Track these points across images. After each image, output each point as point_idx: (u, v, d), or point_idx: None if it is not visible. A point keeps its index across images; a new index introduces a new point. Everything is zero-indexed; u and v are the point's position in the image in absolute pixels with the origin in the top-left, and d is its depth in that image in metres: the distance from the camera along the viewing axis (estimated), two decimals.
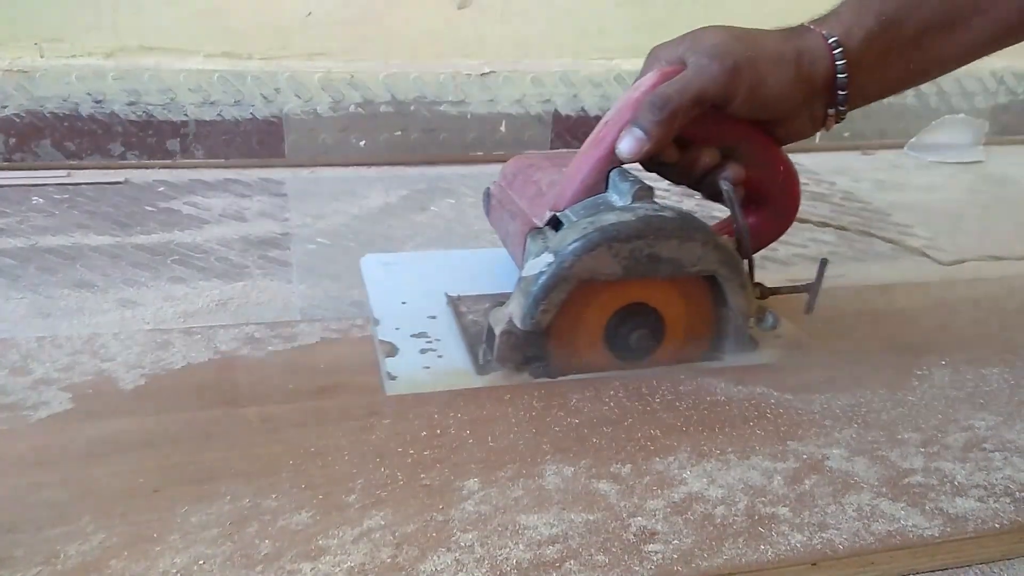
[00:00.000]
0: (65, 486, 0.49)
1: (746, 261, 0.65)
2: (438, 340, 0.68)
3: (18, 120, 1.09)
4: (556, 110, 1.24)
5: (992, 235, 1.03)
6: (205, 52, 1.14)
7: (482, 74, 1.20)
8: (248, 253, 0.87)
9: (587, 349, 0.63)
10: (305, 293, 0.79)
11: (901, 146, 1.37)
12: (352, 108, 1.17)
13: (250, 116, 1.15)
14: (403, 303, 0.74)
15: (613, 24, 1.19)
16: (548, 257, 0.60)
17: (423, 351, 0.66)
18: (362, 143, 1.18)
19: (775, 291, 0.68)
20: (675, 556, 0.46)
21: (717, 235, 0.62)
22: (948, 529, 0.49)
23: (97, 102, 1.11)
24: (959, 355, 0.68)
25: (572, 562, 0.45)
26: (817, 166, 1.27)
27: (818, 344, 0.70)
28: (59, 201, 0.98)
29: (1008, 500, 0.52)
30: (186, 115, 1.13)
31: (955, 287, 0.85)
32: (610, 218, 0.59)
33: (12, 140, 1.10)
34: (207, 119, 1.14)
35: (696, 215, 0.62)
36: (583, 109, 1.25)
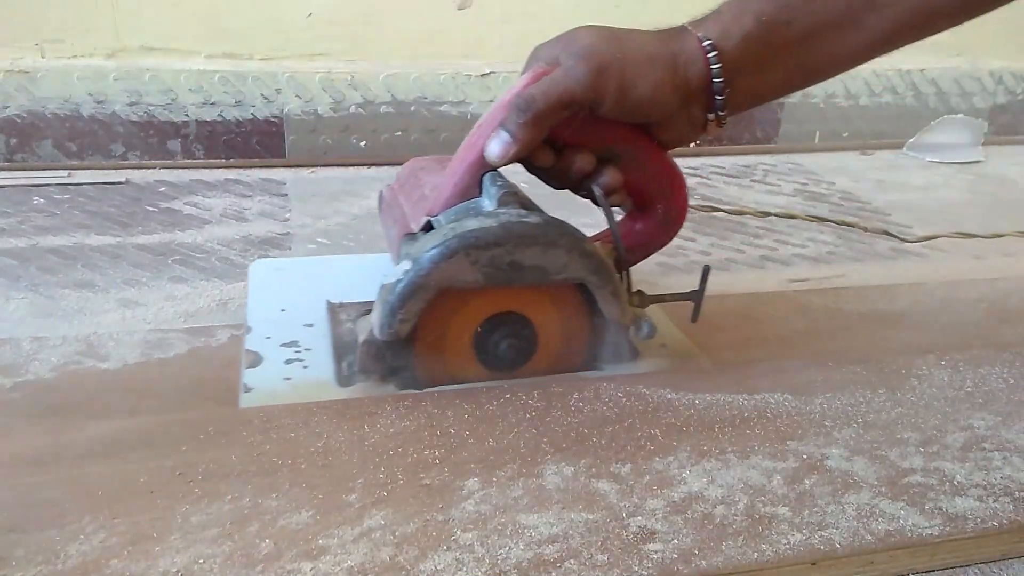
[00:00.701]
0: (65, 486, 0.49)
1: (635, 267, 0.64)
2: (308, 350, 0.65)
3: (19, 120, 1.09)
4: None
5: (990, 234, 1.03)
6: (206, 52, 1.14)
7: (482, 74, 1.20)
8: (249, 253, 0.87)
9: (456, 359, 0.61)
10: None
11: (900, 146, 1.38)
12: (352, 108, 1.17)
13: (251, 116, 1.15)
14: (282, 310, 0.71)
15: (612, 24, 1.19)
16: (406, 264, 0.58)
17: (289, 361, 0.64)
18: (362, 143, 1.19)
19: (657, 299, 0.66)
20: (675, 556, 0.46)
21: (586, 242, 0.60)
22: (947, 529, 0.49)
23: (98, 102, 1.11)
24: (959, 355, 0.68)
25: (572, 561, 0.45)
26: (817, 166, 1.27)
27: (705, 353, 0.69)
28: (60, 201, 0.98)
29: (1007, 500, 0.52)
30: (187, 115, 1.13)
31: (955, 288, 0.85)
32: (471, 224, 0.57)
33: (13, 140, 1.10)
34: (208, 119, 1.14)
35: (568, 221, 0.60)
36: None
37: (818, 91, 1.39)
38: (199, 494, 0.49)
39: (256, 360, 0.64)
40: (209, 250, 0.88)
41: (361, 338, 0.60)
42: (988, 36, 1.43)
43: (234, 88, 1.14)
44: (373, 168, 1.15)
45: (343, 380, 0.61)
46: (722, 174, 1.22)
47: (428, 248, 0.57)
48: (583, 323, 0.63)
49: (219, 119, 1.14)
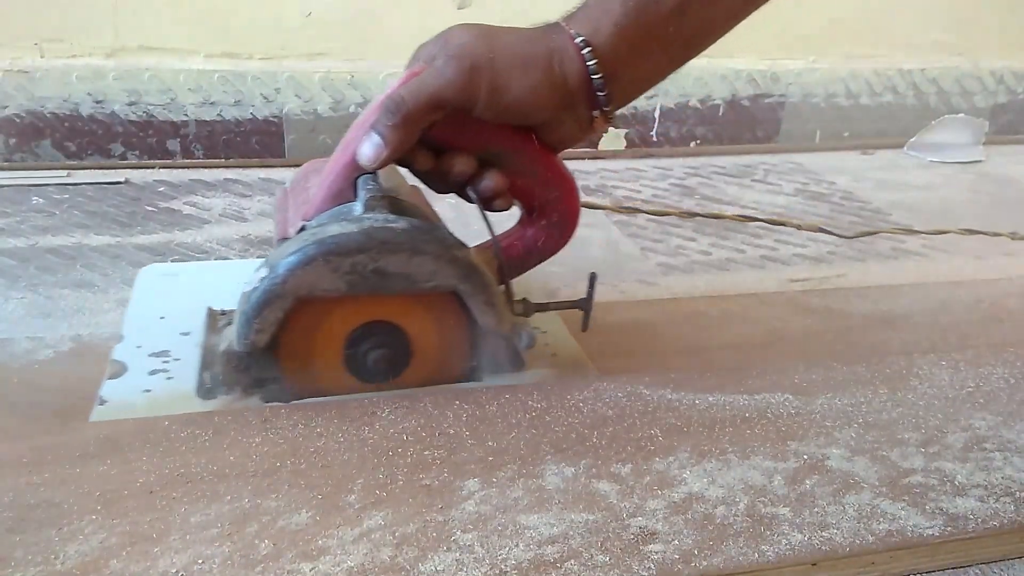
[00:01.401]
0: (65, 486, 0.49)
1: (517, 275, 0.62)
2: (177, 360, 0.63)
3: (18, 120, 1.09)
4: None
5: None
6: (205, 52, 1.14)
7: None
8: (248, 253, 0.87)
9: (326, 370, 0.59)
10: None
11: (901, 146, 1.37)
12: (352, 108, 1.17)
13: (250, 116, 1.15)
14: (161, 318, 0.69)
15: None
16: (263, 271, 0.56)
17: (153, 372, 0.61)
18: None
19: (542, 307, 0.65)
20: (675, 556, 0.46)
21: (457, 248, 0.58)
22: (948, 529, 0.49)
23: (97, 102, 1.11)
24: (959, 355, 0.68)
25: (572, 562, 0.45)
26: (817, 166, 1.27)
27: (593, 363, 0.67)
28: (59, 201, 0.98)
29: (1008, 500, 0.52)
30: (186, 115, 1.13)
31: (955, 288, 0.85)
32: (332, 230, 0.55)
33: (12, 140, 1.10)
34: (207, 119, 1.14)
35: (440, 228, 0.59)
36: None
37: (818, 91, 1.39)
38: (198, 494, 0.49)
39: (119, 370, 0.62)
40: (208, 250, 0.88)
41: (221, 348, 0.58)
42: (989, 35, 1.43)
43: (233, 88, 1.14)
44: None
45: (205, 393, 0.59)
46: (723, 174, 1.22)
47: (286, 255, 0.55)
48: (461, 333, 0.61)
49: (218, 119, 1.14)
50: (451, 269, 0.57)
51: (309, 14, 1.13)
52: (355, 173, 0.58)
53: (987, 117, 1.44)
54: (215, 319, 0.66)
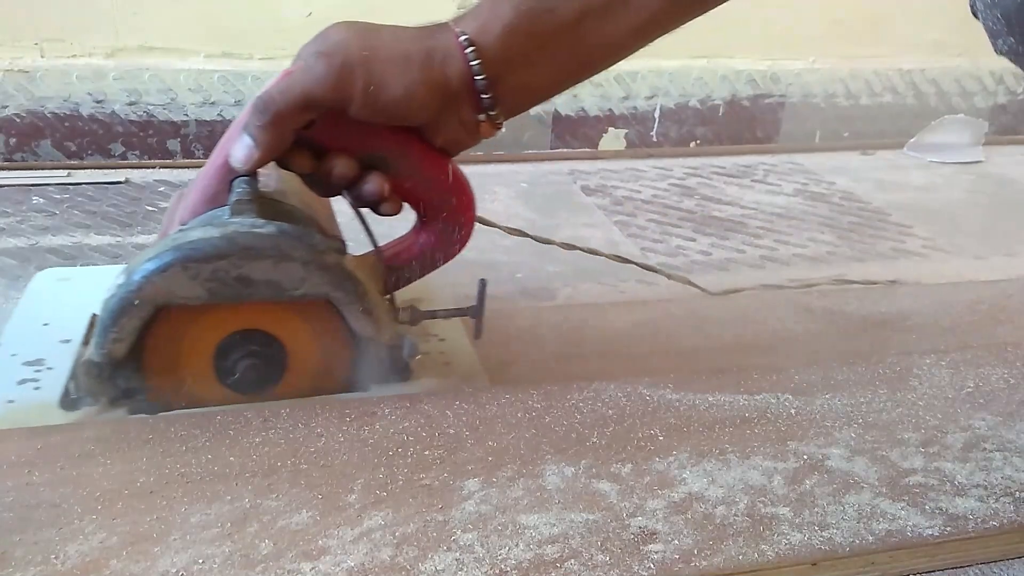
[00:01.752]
0: (65, 486, 0.49)
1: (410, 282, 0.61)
2: (50, 369, 0.60)
3: (19, 120, 1.09)
4: (556, 110, 1.24)
5: (991, 235, 1.03)
6: (205, 52, 1.14)
7: None
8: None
9: (196, 381, 0.57)
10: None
11: (901, 146, 1.37)
12: None
13: None
14: (45, 325, 0.66)
15: None
16: (120, 278, 0.54)
17: (23, 381, 0.59)
18: None
19: (430, 315, 0.63)
20: (675, 556, 0.46)
21: (329, 255, 0.56)
22: (948, 529, 0.49)
23: (98, 102, 1.11)
24: (959, 355, 0.68)
25: (572, 562, 0.45)
26: (817, 166, 1.27)
27: (489, 373, 0.66)
28: (59, 201, 0.98)
29: (1008, 500, 0.52)
30: (186, 115, 1.13)
31: (955, 288, 0.85)
32: (193, 235, 0.53)
33: (13, 140, 1.10)
34: (207, 119, 1.14)
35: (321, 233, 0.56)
36: (583, 109, 1.25)
37: (818, 91, 1.39)
38: (199, 494, 0.49)
39: None
40: None
41: (84, 358, 0.56)
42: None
43: (234, 88, 1.14)
44: None
45: (68, 404, 0.56)
46: (723, 174, 1.22)
47: (143, 261, 0.53)
48: (340, 342, 0.58)
49: (219, 119, 1.14)
50: (322, 276, 0.55)
51: (309, 14, 1.13)
52: (230, 175, 0.56)
53: (987, 117, 1.44)
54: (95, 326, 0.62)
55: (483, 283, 0.63)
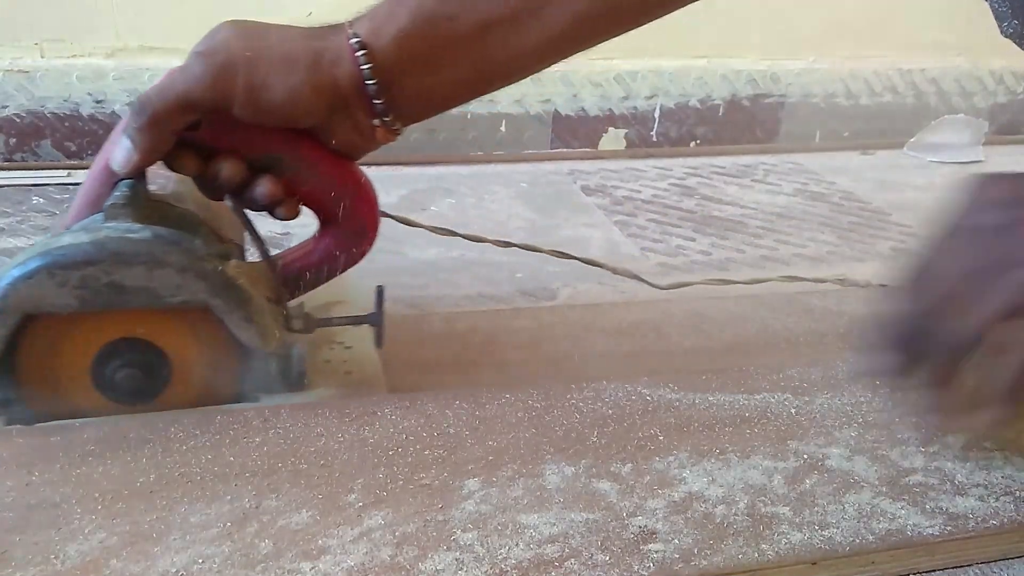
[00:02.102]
0: (65, 486, 0.49)
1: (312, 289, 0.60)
2: None
3: (19, 120, 1.09)
4: (556, 110, 1.24)
5: None
6: None
7: None
8: (248, 253, 0.87)
9: (74, 391, 0.55)
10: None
11: (901, 146, 1.37)
12: None
13: None
14: None
15: None
16: None
17: None
18: None
19: (325, 322, 0.62)
20: (675, 556, 0.46)
21: (210, 260, 0.54)
22: (948, 528, 0.49)
23: (98, 102, 1.11)
24: None
25: (572, 561, 0.45)
26: (817, 166, 1.27)
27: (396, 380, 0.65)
28: (60, 201, 0.98)
29: (1008, 499, 0.52)
30: None
31: None
32: (63, 241, 0.52)
33: (13, 140, 1.10)
34: None
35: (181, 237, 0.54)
36: (583, 109, 1.25)
37: (818, 90, 1.39)
38: (199, 494, 0.49)
39: None
40: None
41: None
42: (989, 35, 1.43)
43: None
44: (373, 168, 1.15)
45: None
46: (722, 174, 1.22)
47: (10, 267, 0.51)
48: (225, 351, 0.57)
49: None
50: (199, 283, 0.54)
51: (309, 14, 1.13)
52: (113, 178, 0.54)
53: (987, 117, 1.44)
54: None
55: (380, 290, 0.62)
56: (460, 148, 1.20)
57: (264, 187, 0.55)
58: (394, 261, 0.86)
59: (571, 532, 0.47)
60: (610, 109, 1.28)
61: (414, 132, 1.19)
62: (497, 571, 0.44)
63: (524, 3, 0.53)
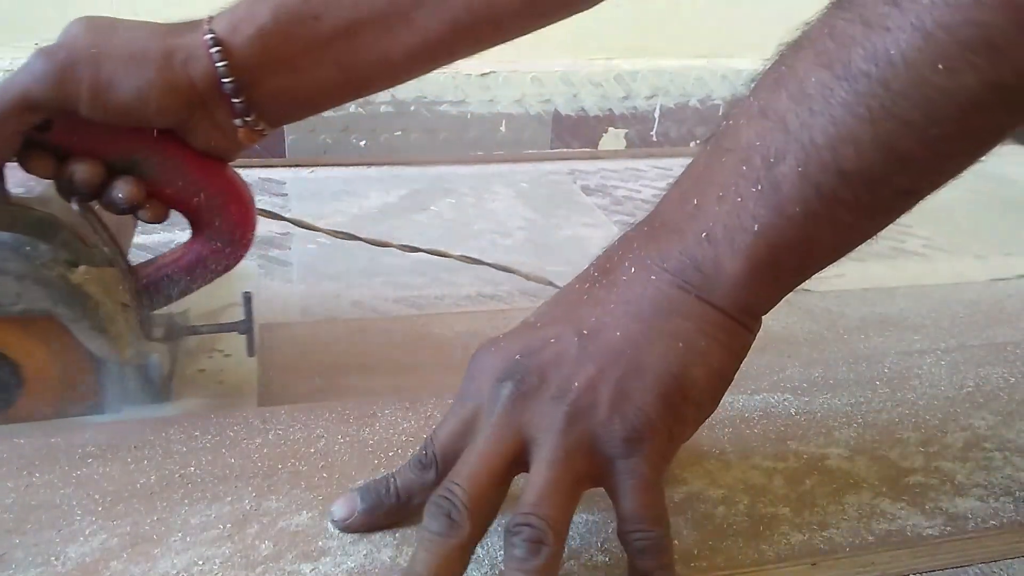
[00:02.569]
0: (65, 487, 0.49)
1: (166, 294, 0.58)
2: None
3: None
4: (556, 110, 1.24)
5: (991, 235, 1.03)
6: None
7: (482, 74, 1.20)
8: (249, 252, 0.87)
9: None
10: (305, 293, 0.79)
11: None
12: (352, 108, 1.17)
13: None
14: None
15: (613, 24, 1.19)
16: None
17: None
18: (362, 143, 1.19)
19: (191, 331, 0.60)
20: (675, 556, 0.46)
21: (53, 267, 0.53)
22: (948, 528, 0.49)
23: None
24: (959, 355, 0.68)
25: (572, 562, 0.45)
26: None
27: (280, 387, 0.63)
28: None
29: (1008, 499, 0.52)
30: None
31: (955, 288, 0.85)
32: None
33: None
34: None
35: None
36: (583, 109, 1.25)
37: None
38: (199, 496, 0.49)
39: None
40: None
41: None
42: None
43: None
44: (373, 168, 1.15)
45: None
46: None
47: None
48: (79, 362, 0.56)
49: None
50: (41, 291, 0.52)
51: None
52: None
53: None
54: None
55: (248, 296, 0.61)
56: (460, 148, 1.20)
57: (122, 189, 0.53)
58: (394, 261, 0.86)
59: (571, 533, 0.47)
60: (610, 109, 1.28)
61: (414, 132, 1.19)
62: (497, 572, 0.44)
63: (393, 6, 0.52)
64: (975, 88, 0.36)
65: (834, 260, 0.44)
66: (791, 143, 0.39)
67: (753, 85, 0.43)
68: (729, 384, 0.44)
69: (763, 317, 0.45)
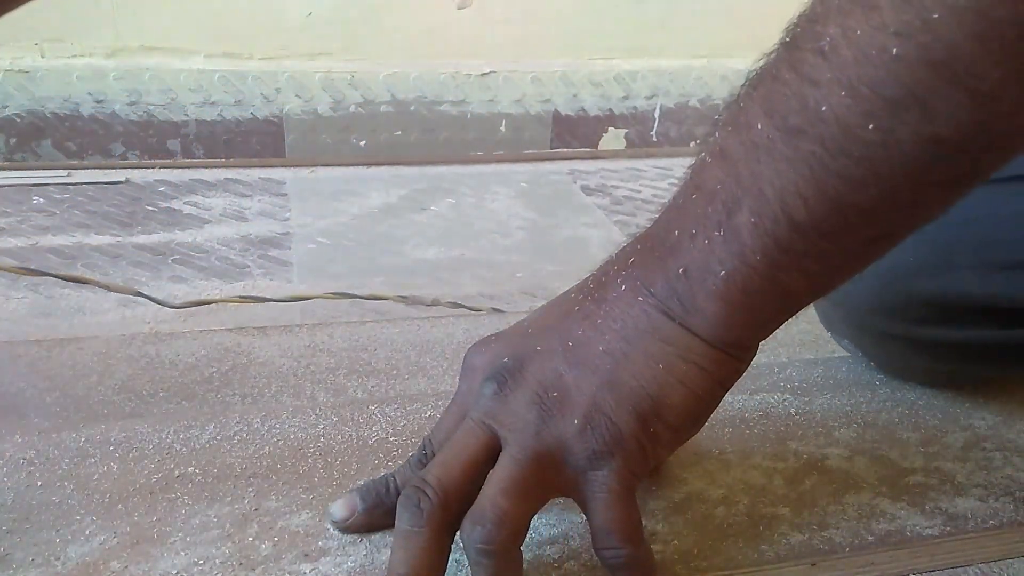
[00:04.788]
0: (66, 487, 0.49)
1: None
2: None
3: (19, 120, 1.09)
4: (556, 110, 1.24)
5: None
6: (206, 52, 1.14)
7: (482, 74, 1.20)
8: (248, 252, 0.87)
9: None
10: (305, 292, 0.79)
11: None
12: (352, 108, 1.17)
13: (250, 116, 1.15)
14: None
15: (613, 24, 1.19)
16: None
17: None
18: (362, 143, 1.19)
19: None
20: (675, 556, 0.46)
21: None
22: (948, 528, 0.49)
23: (98, 102, 1.11)
24: None
25: (572, 562, 0.45)
26: None
27: None
28: (60, 200, 0.98)
29: (1008, 499, 0.52)
30: (187, 115, 1.13)
31: None
32: None
33: (13, 140, 1.10)
34: (208, 119, 1.14)
35: None
36: (583, 109, 1.25)
37: None
38: (199, 496, 0.49)
39: None
40: (209, 249, 0.88)
41: None
42: None
43: (234, 88, 1.14)
44: (373, 168, 1.15)
45: None
46: None
47: None
48: None
49: (219, 119, 1.14)
50: None
51: (309, 14, 1.13)
52: None
53: None
54: None
55: None
56: (460, 148, 1.20)
57: None
58: (394, 261, 0.86)
59: (571, 533, 0.47)
60: (610, 109, 1.28)
61: (414, 132, 1.19)
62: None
63: None
64: (912, 144, 0.34)
65: (819, 296, 0.43)
66: (745, 193, 0.38)
67: (723, 111, 0.41)
68: (712, 409, 0.43)
69: None
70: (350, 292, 0.70)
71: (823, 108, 0.35)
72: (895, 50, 0.33)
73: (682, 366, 0.41)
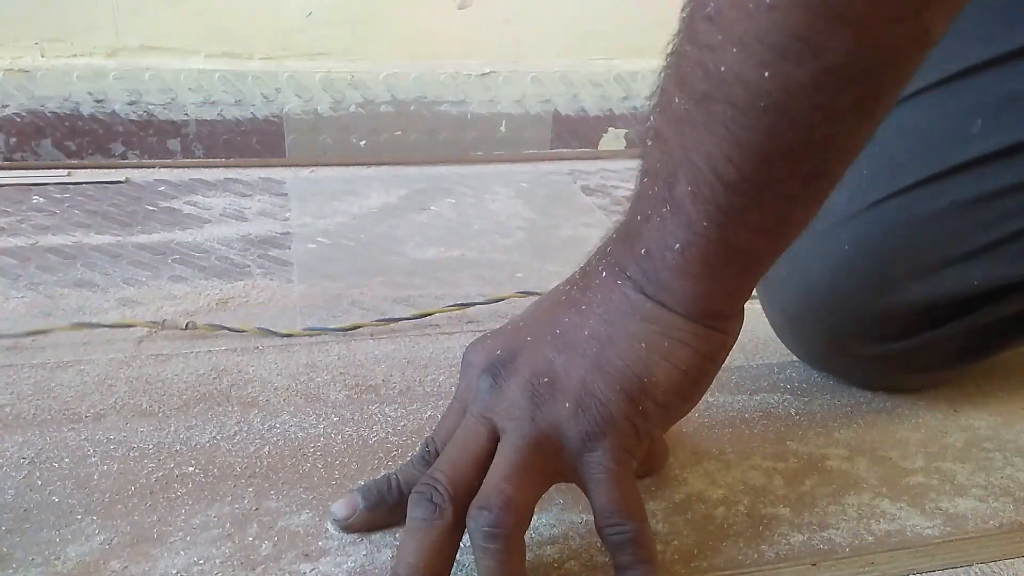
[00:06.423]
0: (66, 487, 0.49)
1: None
2: None
3: (19, 119, 1.09)
4: (556, 110, 1.23)
5: None
6: (206, 52, 1.14)
7: (482, 74, 1.20)
8: (249, 252, 0.87)
9: None
10: (305, 292, 0.79)
11: None
12: (352, 108, 1.17)
13: (251, 116, 1.15)
14: None
15: (613, 24, 1.19)
16: None
17: None
18: (362, 143, 1.18)
19: None
20: (675, 556, 0.46)
21: None
22: (948, 529, 0.49)
23: (98, 101, 1.11)
24: None
25: (572, 563, 0.45)
26: None
27: None
28: (60, 200, 0.98)
29: (1008, 499, 0.52)
30: (187, 115, 1.13)
31: None
32: None
33: (13, 139, 1.10)
34: (208, 119, 1.14)
35: None
36: (583, 109, 1.25)
37: None
38: (199, 496, 0.49)
39: None
40: (209, 249, 0.88)
41: None
42: None
43: (234, 87, 1.14)
44: (373, 168, 1.15)
45: None
46: None
47: None
48: None
49: (219, 118, 1.14)
50: None
51: (309, 14, 1.13)
52: None
53: None
54: None
55: None
56: (460, 148, 1.20)
57: None
58: (394, 261, 0.86)
59: (571, 534, 0.47)
60: (610, 109, 1.28)
61: (414, 132, 1.19)
62: None
63: None
64: (810, 82, 0.35)
65: (782, 251, 0.43)
66: (678, 166, 0.40)
67: (653, 95, 0.43)
68: (704, 384, 0.44)
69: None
70: (325, 327, 0.70)
71: (722, 69, 0.37)
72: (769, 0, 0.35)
73: (664, 343, 0.42)
